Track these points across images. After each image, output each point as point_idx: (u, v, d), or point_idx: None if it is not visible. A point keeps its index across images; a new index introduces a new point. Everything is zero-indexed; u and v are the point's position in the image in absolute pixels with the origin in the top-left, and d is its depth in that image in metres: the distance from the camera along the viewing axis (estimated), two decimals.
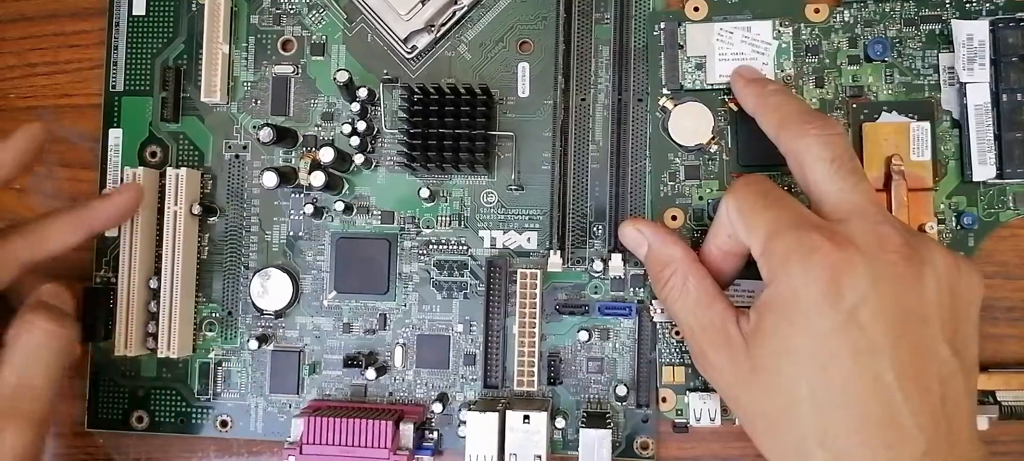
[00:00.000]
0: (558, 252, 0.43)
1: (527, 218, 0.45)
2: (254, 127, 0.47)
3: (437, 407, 0.44)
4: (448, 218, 0.46)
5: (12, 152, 0.39)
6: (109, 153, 0.47)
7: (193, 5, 0.48)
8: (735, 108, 0.43)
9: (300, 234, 0.46)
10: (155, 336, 0.44)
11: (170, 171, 0.45)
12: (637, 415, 0.44)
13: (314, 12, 0.47)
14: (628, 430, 0.44)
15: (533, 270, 0.43)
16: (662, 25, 0.44)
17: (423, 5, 0.45)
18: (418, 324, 0.46)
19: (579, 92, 0.45)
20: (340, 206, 0.45)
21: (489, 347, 0.44)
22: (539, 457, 0.41)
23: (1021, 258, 0.44)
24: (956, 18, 0.43)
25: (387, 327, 0.46)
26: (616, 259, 0.43)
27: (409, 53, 0.46)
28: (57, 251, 0.40)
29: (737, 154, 0.44)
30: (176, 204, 0.45)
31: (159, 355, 0.44)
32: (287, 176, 0.44)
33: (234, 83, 0.47)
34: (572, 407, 0.44)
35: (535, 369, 0.43)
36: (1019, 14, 0.42)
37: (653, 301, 0.44)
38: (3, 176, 0.39)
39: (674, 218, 0.44)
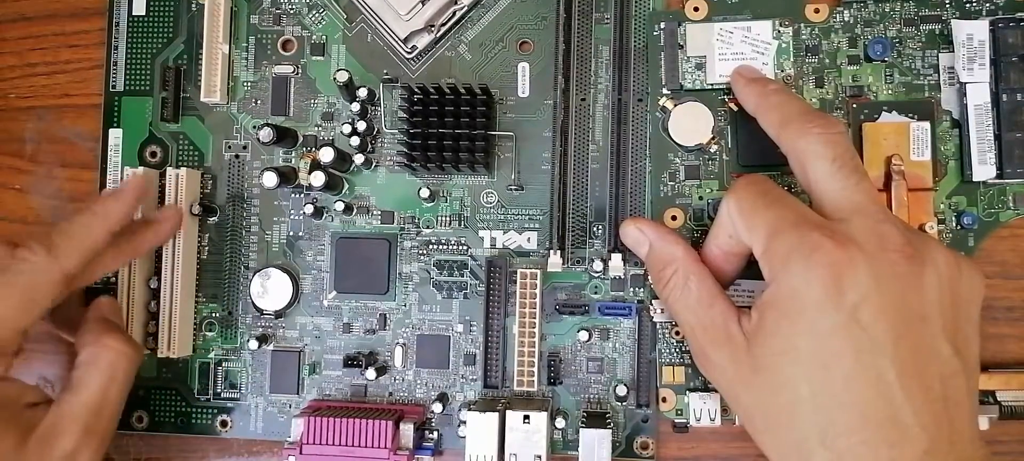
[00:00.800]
0: (558, 252, 0.43)
1: (527, 218, 0.45)
2: (254, 127, 0.47)
3: (437, 407, 0.44)
4: (448, 218, 0.46)
5: (123, 207, 0.40)
6: (109, 153, 0.47)
7: (193, 5, 0.48)
8: (735, 108, 0.43)
9: (300, 234, 0.46)
10: (155, 336, 0.44)
11: (170, 171, 0.45)
12: (637, 415, 0.44)
13: (314, 12, 0.47)
14: (628, 430, 0.44)
15: (533, 270, 0.43)
16: (662, 25, 0.44)
17: (423, 5, 0.45)
18: (418, 324, 0.46)
19: (579, 92, 0.45)
20: (340, 206, 0.45)
21: (489, 347, 0.44)
22: (539, 457, 0.41)
23: (1021, 258, 0.44)
24: (956, 18, 0.43)
25: (387, 327, 0.46)
26: (616, 259, 0.43)
27: (409, 53, 0.46)
28: (100, 278, 0.43)
29: (737, 154, 0.44)
30: (176, 204, 0.44)
31: (159, 355, 0.44)
32: (287, 176, 0.44)
33: (234, 83, 0.47)
34: (572, 407, 0.44)
35: (535, 369, 0.43)
36: (1019, 14, 0.42)
37: (653, 301, 0.44)
38: (113, 228, 0.40)
39: (674, 218, 0.44)
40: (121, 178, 0.45)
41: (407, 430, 0.42)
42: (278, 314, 0.46)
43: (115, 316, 0.43)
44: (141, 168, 0.45)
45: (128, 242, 0.42)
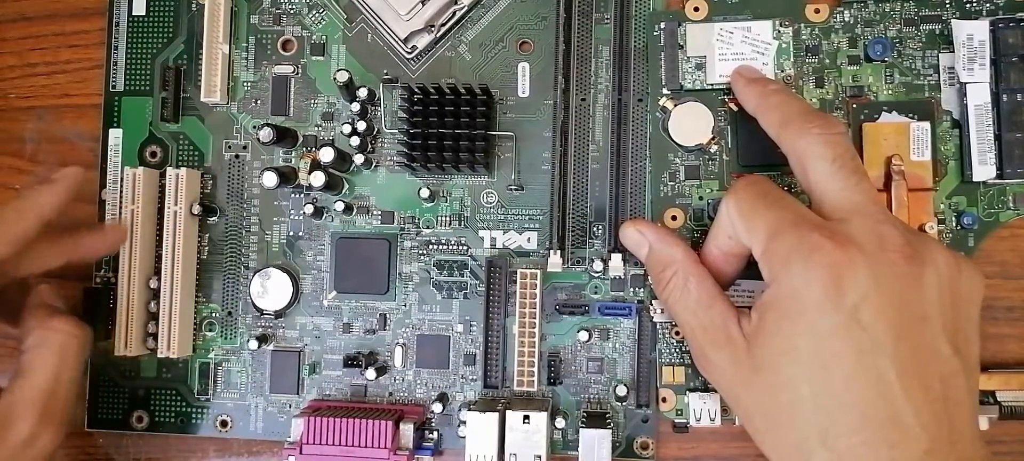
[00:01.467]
0: (558, 252, 0.43)
1: (527, 218, 0.45)
2: (254, 127, 0.47)
3: (437, 407, 0.44)
4: (448, 218, 0.46)
5: (54, 197, 0.40)
6: (109, 153, 0.47)
7: (193, 5, 0.48)
8: (735, 108, 0.43)
9: (300, 234, 0.46)
10: (155, 336, 0.44)
11: (170, 171, 0.45)
12: (637, 415, 0.44)
13: (314, 12, 0.47)
14: (628, 430, 0.44)
15: (533, 270, 0.43)
16: (662, 25, 0.44)
17: (423, 5, 0.45)
18: (418, 324, 0.46)
19: (579, 92, 0.45)
20: (340, 206, 0.45)
21: (489, 347, 0.44)
22: (539, 457, 0.41)
23: (1021, 258, 0.44)
24: (956, 18, 0.43)
25: (387, 327, 0.46)
26: (616, 259, 0.43)
27: (409, 53, 0.46)
28: (38, 271, 0.41)
29: (737, 154, 0.44)
30: (176, 204, 0.45)
31: (159, 355, 0.44)
32: (287, 176, 0.44)
33: (234, 83, 0.47)
34: (572, 407, 0.44)
35: (535, 369, 0.43)
36: (1019, 14, 0.42)
37: (653, 301, 0.44)
38: (45, 216, 0.39)
39: (674, 218, 0.44)
40: (121, 178, 0.45)
41: (407, 430, 0.42)
42: (278, 314, 0.46)
43: (56, 302, 0.42)
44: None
45: (71, 241, 0.42)
